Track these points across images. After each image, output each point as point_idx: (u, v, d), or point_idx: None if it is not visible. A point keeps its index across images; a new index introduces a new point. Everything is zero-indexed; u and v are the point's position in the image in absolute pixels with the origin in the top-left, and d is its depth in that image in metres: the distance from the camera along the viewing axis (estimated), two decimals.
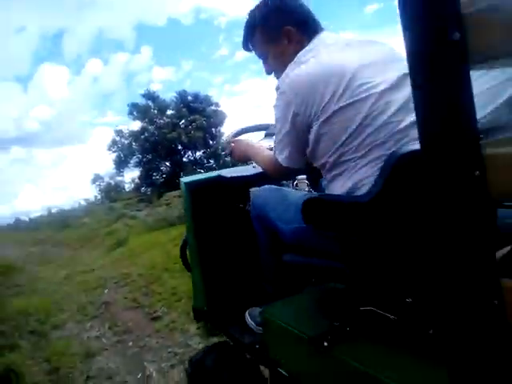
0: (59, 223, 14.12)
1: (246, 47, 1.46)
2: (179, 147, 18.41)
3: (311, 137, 1.16)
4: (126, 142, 18.90)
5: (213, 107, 18.84)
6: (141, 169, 18.50)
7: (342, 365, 0.91)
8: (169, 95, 22.60)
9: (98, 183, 20.25)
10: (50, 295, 5.11)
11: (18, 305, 4.62)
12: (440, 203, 0.56)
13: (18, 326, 3.95)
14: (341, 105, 1.08)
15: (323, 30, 1.33)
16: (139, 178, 18.72)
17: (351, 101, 1.07)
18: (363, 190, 1.05)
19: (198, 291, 1.81)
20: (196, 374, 1.56)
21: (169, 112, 18.83)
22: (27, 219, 20.63)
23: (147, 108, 18.71)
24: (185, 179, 1.81)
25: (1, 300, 5.03)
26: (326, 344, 0.96)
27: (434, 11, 0.51)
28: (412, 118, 1.03)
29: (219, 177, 1.75)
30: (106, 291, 4.86)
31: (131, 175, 19.85)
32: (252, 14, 1.37)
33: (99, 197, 19.64)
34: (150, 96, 18.92)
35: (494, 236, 0.53)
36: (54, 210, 18.64)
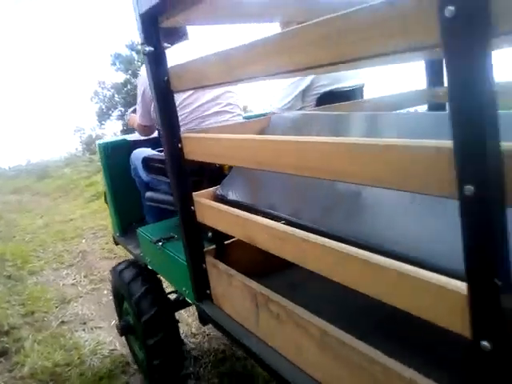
0: (39, 173, 13.86)
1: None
2: None
3: (151, 108, 1.84)
4: (109, 93, 18.41)
5: None
6: (123, 122, 18.11)
7: (169, 256, 1.52)
8: None
9: (79, 134, 19.87)
10: (27, 243, 5.13)
11: None
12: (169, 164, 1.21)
13: None
14: None
15: None
16: (121, 131, 18.36)
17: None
18: None
19: (114, 224, 2.44)
20: (113, 278, 2.22)
21: None
22: (6, 168, 20.26)
23: (131, 60, 18.09)
24: (100, 142, 2.41)
25: None
26: (160, 244, 1.57)
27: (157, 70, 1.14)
28: (210, 110, 1.79)
29: (124, 140, 2.37)
30: (83, 241, 4.89)
31: (113, 130, 19.48)
32: None
33: (80, 148, 19.31)
34: (135, 47, 18.25)
35: (188, 177, 1.21)
36: (34, 161, 18.32)
